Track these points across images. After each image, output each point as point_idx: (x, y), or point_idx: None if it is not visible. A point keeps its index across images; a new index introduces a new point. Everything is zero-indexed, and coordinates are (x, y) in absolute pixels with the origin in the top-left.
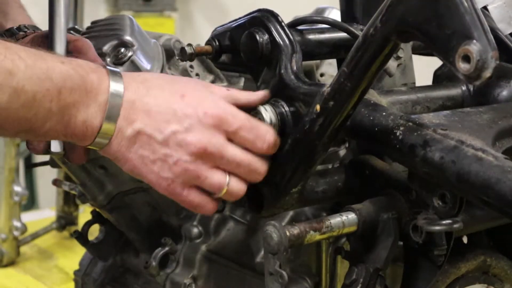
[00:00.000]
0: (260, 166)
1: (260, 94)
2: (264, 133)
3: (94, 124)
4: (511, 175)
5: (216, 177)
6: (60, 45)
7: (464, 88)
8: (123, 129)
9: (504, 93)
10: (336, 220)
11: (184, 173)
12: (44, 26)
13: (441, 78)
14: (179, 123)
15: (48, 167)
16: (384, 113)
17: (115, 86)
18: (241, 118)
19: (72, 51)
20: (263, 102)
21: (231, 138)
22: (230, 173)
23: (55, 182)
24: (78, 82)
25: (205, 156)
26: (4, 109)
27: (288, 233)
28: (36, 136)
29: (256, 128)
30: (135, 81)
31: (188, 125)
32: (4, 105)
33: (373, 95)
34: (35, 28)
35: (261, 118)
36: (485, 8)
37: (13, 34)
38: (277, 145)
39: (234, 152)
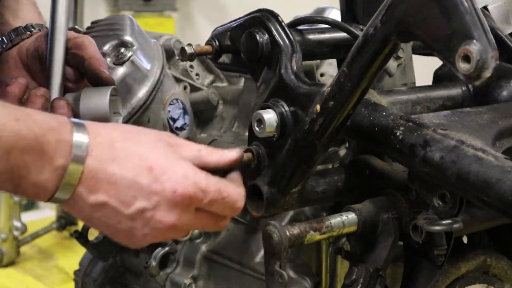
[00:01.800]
0: (224, 224)
1: (231, 155)
2: (234, 202)
3: (48, 188)
4: (511, 175)
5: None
6: (59, 43)
7: (464, 88)
8: (85, 197)
9: (504, 93)
10: (336, 220)
11: (152, 241)
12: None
13: (441, 78)
14: (146, 200)
15: None
16: (384, 113)
17: (77, 151)
18: (211, 191)
19: (71, 48)
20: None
21: (201, 208)
22: None
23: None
24: (31, 143)
25: (173, 230)
26: None
27: (288, 233)
28: None
29: (226, 198)
30: (100, 145)
31: (156, 203)
32: None
33: (373, 95)
34: (41, 27)
35: (262, 121)
36: (485, 8)
37: (19, 34)
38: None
39: (202, 223)
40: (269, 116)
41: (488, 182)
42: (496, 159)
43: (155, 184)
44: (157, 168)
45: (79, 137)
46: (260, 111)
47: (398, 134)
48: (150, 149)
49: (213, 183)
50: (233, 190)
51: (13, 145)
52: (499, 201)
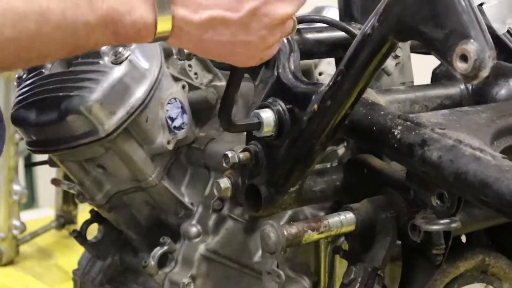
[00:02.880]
0: None
1: None
2: None
3: (147, 22)
4: (508, 174)
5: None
6: None
7: (462, 87)
8: (188, 18)
9: (503, 92)
10: (334, 219)
11: (271, 44)
12: None
13: (439, 77)
14: None
15: (47, 166)
16: (382, 112)
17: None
18: None
19: None
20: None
21: None
22: None
23: (54, 181)
24: None
25: (287, 23)
26: (37, 36)
27: (285, 233)
28: (87, 50)
29: None
30: None
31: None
32: (34, 31)
33: (371, 94)
34: None
35: (260, 119)
36: (480, 5)
37: None
38: None
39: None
40: (267, 115)
41: (486, 181)
42: (494, 159)
43: None
44: None
45: None
46: (258, 111)
47: (396, 133)
48: None
49: None
50: None
51: None
52: (497, 201)
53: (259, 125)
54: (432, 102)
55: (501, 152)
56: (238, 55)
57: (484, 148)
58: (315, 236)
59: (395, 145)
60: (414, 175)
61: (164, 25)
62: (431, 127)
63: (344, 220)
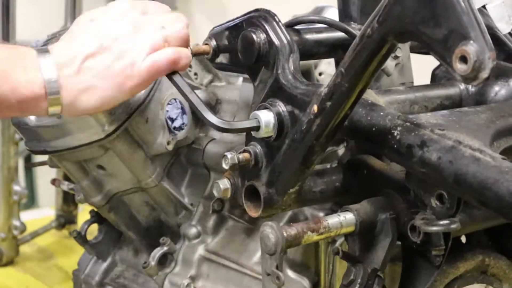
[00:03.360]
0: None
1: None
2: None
3: (38, 79)
4: (508, 175)
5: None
6: None
7: (462, 87)
8: (65, 68)
9: (502, 92)
10: (333, 220)
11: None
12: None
13: (439, 77)
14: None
15: (47, 166)
16: (381, 113)
17: (40, 50)
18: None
19: None
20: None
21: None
22: None
23: (54, 182)
24: (9, 52)
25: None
26: None
27: (285, 234)
28: None
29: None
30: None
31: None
32: None
33: (370, 95)
34: None
35: (259, 120)
36: (483, 7)
37: None
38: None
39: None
40: (266, 116)
41: (486, 183)
42: (494, 160)
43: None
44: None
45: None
46: (257, 112)
47: (395, 134)
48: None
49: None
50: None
51: None
52: (496, 202)
53: (258, 126)
54: (432, 102)
55: (500, 153)
56: (119, 77)
57: (484, 149)
58: (314, 237)
59: (395, 146)
60: (414, 176)
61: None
62: (430, 128)
63: (343, 221)
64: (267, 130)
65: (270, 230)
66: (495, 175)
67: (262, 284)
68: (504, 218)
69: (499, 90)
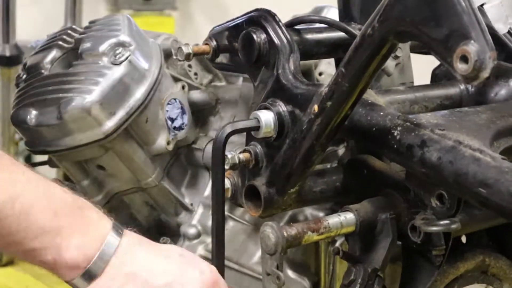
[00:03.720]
0: None
1: None
2: None
3: (89, 252)
4: (508, 175)
5: None
6: None
7: (462, 87)
8: (117, 266)
9: (503, 92)
10: (334, 220)
11: None
12: (44, 25)
13: (439, 77)
14: (174, 276)
15: (47, 166)
16: (381, 113)
17: (113, 233)
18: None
19: None
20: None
21: None
22: None
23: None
24: (76, 211)
25: None
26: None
27: (285, 234)
28: (22, 251)
29: None
30: (133, 235)
31: (185, 280)
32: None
33: (370, 95)
34: None
35: (259, 120)
36: (481, 6)
37: None
38: None
39: None
40: (266, 116)
41: (486, 183)
42: (494, 160)
43: (186, 267)
44: (186, 255)
45: (114, 236)
46: (257, 111)
47: (395, 134)
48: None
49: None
50: None
51: (61, 207)
52: (496, 202)
53: (258, 126)
54: (432, 102)
55: (501, 153)
56: None
57: (484, 149)
58: (315, 237)
59: (395, 146)
60: (414, 176)
61: (97, 265)
62: (430, 128)
63: (344, 221)
64: (267, 129)
65: (271, 230)
66: (495, 175)
67: (262, 284)
68: (504, 218)
69: (499, 90)
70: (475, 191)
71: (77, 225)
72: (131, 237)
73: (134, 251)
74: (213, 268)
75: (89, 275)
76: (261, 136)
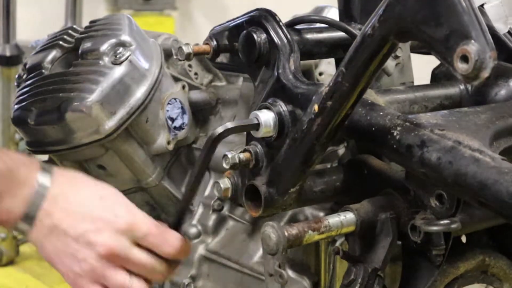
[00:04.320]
0: (163, 269)
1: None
2: (171, 239)
3: (16, 213)
4: (508, 176)
5: (120, 277)
6: None
7: (462, 87)
8: (43, 220)
9: (502, 92)
10: (334, 220)
11: (91, 270)
12: (44, 25)
13: (439, 76)
14: (92, 223)
15: None
16: (381, 113)
17: (43, 180)
18: (150, 225)
19: None
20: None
21: (139, 242)
22: (133, 273)
23: None
24: (5, 174)
25: (111, 257)
26: None
27: (286, 233)
28: None
29: (163, 234)
30: (64, 176)
31: (100, 226)
32: None
33: (370, 95)
34: None
35: (258, 120)
36: (481, 6)
37: None
38: (188, 250)
39: (139, 255)
40: (266, 116)
41: (485, 183)
42: (493, 160)
43: (102, 211)
44: (107, 199)
45: (45, 171)
46: (257, 111)
47: (395, 134)
48: (105, 189)
49: (152, 220)
50: (170, 230)
51: None
52: (495, 203)
53: (258, 126)
54: (432, 102)
55: (500, 153)
56: (65, 263)
57: (484, 150)
58: (315, 236)
59: (394, 146)
60: (413, 176)
61: (26, 222)
62: (430, 128)
63: (344, 220)
64: (266, 129)
65: (271, 230)
66: (495, 175)
67: (263, 283)
68: (504, 219)
69: (499, 90)
70: (474, 191)
71: (7, 189)
72: (60, 181)
73: (60, 200)
74: (132, 209)
75: (26, 226)
76: (261, 135)
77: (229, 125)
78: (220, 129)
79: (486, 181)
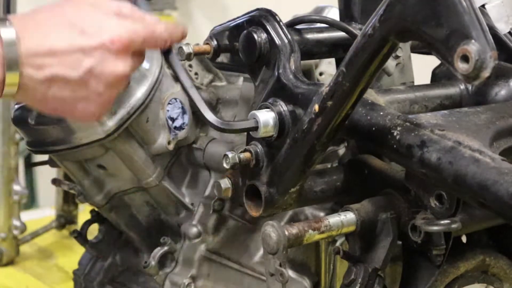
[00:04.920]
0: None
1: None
2: (159, 30)
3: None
4: (508, 177)
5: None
6: None
7: (462, 87)
8: (33, 76)
9: (503, 92)
10: (335, 219)
11: (109, 100)
12: None
13: (439, 76)
14: (90, 57)
15: (48, 166)
16: (381, 113)
17: (7, 34)
18: (143, 30)
19: None
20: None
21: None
22: None
23: (55, 182)
24: None
25: (124, 79)
26: None
27: (287, 232)
28: None
29: (157, 33)
30: (28, 26)
31: (100, 57)
32: None
33: (370, 94)
34: None
35: (257, 120)
36: (483, 6)
37: None
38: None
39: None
40: (265, 116)
41: (485, 184)
42: (493, 161)
43: (92, 41)
44: (89, 27)
45: (3, 25)
46: (256, 111)
47: (395, 134)
48: (75, 13)
49: (140, 22)
50: (156, 23)
51: None
52: (495, 203)
53: (257, 126)
54: (432, 102)
55: (500, 154)
56: (79, 110)
57: (484, 150)
58: (316, 236)
59: (394, 146)
60: (413, 176)
61: (11, 82)
62: (430, 128)
63: (344, 220)
64: (265, 130)
65: (272, 229)
66: (495, 176)
67: (264, 283)
68: (504, 219)
69: (499, 90)
70: (474, 192)
71: None
72: (32, 36)
73: (42, 54)
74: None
75: (9, 94)
76: (260, 136)
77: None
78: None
79: (486, 181)
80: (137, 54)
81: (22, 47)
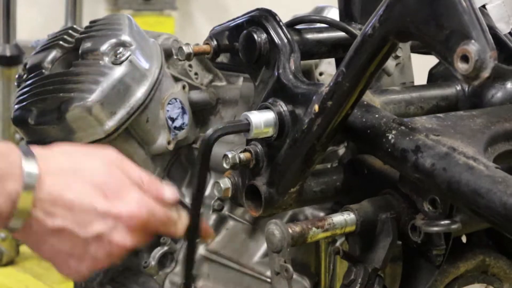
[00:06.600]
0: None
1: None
2: (179, 223)
3: (2, 213)
4: (501, 186)
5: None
6: None
7: (458, 88)
8: (43, 221)
9: (499, 94)
10: (338, 218)
11: (97, 267)
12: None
13: (436, 77)
14: (103, 223)
15: None
16: (376, 115)
17: (29, 177)
18: (161, 216)
19: None
20: None
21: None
22: None
23: None
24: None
25: (124, 251)
26: None
27: (290, 230)
28: None
29: (172, 221)
30: (51, 169)
31: (113, 226)
32: None
33: (366, 95)
34: None
35: (250, 123)
36: (483, 6)
37: None
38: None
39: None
40: (268, 116)
41: (479, 192)
42: (487, 169)
43: (111, 208)
44: (112, 194)
45: (29, 163)
46: (248, 113)
47: (390, 137)
48: (102, 174)
49: (161, 208)
50: (179, 215)
51: None
52: (488, 212)
53: (248, 128)
54: (428, 103)
55: (495, 158)
56: (69, 267)
57: (478, 157)
58: (319, 234)
59: (389, 150)
60: (407, 180)
61: (18, 218)
62: (425, 133)
63: (348, 219)
64: (257, 131)
65: (275, 227)
66: (488, 184)
67: (265, 283)
68: (496, 228)
69: (495, 92)
70: (467, 199)
71: None
72: (54, 182)
73: (58, 204)
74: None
75: (13, 225)
76: (252, 137)
77: (220, 125)
78: (210, 132)
79: (479, 190)
80: (148, 232)
81: (42, 191)
